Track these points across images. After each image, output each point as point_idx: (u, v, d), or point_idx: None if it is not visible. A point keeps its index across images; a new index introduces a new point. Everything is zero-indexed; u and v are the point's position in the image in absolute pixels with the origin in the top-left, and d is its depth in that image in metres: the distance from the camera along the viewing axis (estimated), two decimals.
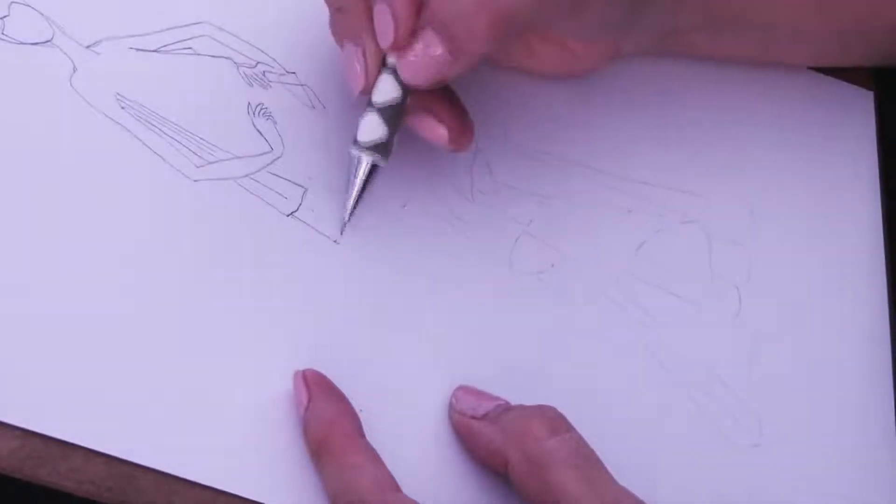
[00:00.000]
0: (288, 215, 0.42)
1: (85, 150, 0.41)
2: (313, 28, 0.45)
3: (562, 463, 0.36)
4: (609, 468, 0.37)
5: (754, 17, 0.47)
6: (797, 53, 0.51)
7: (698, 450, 0.43)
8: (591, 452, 0.37)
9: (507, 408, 0.39)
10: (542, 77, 0.47)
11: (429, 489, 0.39)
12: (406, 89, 0.40)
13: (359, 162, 0.41)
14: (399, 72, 0.39)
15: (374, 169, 0.41)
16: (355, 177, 0.41)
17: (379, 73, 0.40)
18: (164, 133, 0.42)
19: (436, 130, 0.41)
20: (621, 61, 0.49)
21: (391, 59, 0.40)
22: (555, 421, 0.37)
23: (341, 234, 0.42)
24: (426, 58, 0.39)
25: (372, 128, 0.40)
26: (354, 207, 0.41)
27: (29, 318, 0.38)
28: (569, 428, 0.38)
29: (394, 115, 0.40)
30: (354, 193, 0.41)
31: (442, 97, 0.41)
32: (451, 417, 0.40)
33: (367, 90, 0.40)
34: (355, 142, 0.41)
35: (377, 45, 0.39)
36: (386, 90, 0.40)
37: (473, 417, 0.39)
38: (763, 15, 0.47)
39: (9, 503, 0.40)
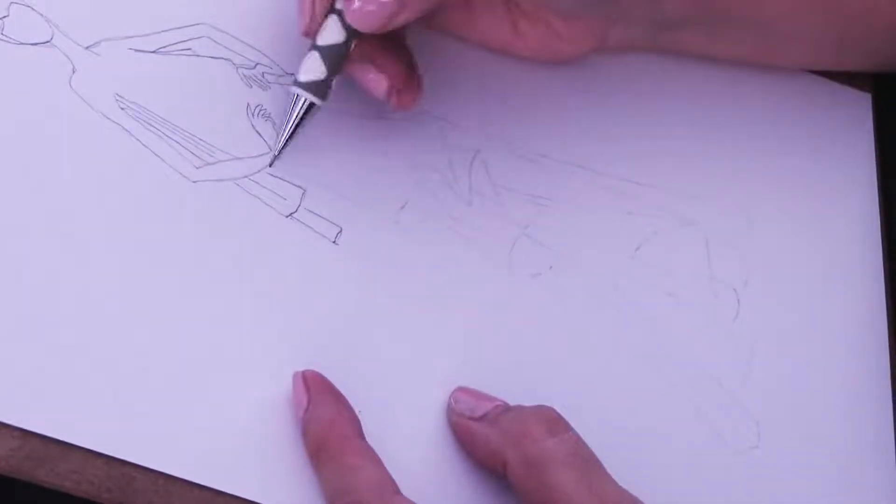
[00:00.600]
0: (287, 216, 0.42)
1: (84, 150, 0.41)
2: None
3: (560, 464, 0.36)
4: (607, 471, 0.37)
5: (748, 12, 0.47)
6: (793, 54, 0.51)
7: (696, 453, 0.43)
8: (590, 453, 0.37)
9: (505, 409, 0.39)
10: (531, 60, 0.47)
11: (428, 490, 0.39)
12: (350, 33, 0.41)
13: (296, 98, 0.41)
14: (345, 16, 0.40)
15: (310, 108, 0.42)
16: (291, 113, 0.42)
17: (326, 16, 0.41)
18: (164, 134, 0.42)
19: (376, 81, 0.42)
20: (621, 63, 0.49)
21: (339, 4, 0.41)
22: (553, 422, 0.37)
23: (270, 165, 0.42)
24: (372, 4, 0.39)
25: (312, 67, 0.41)
26: (287, 142, 0.42)
27: (28, 318, 0.38)
28: (567, 428, 0.37)
29: (335, 56, 0.41)
30: (288, 129, 0.42)
31: (388, 49, 0.42)
32: (449, 419, 0.40)
33: (311, 33, 0.41)
34: (296, 82, 0.42)
35: None
36: (330, 33, 0.41)
37: (472, 419, 0.39)
38: (757, 10, 0.47)
39: (8, 503, 0.39)
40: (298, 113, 0.41)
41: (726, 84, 0.51)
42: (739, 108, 0.51)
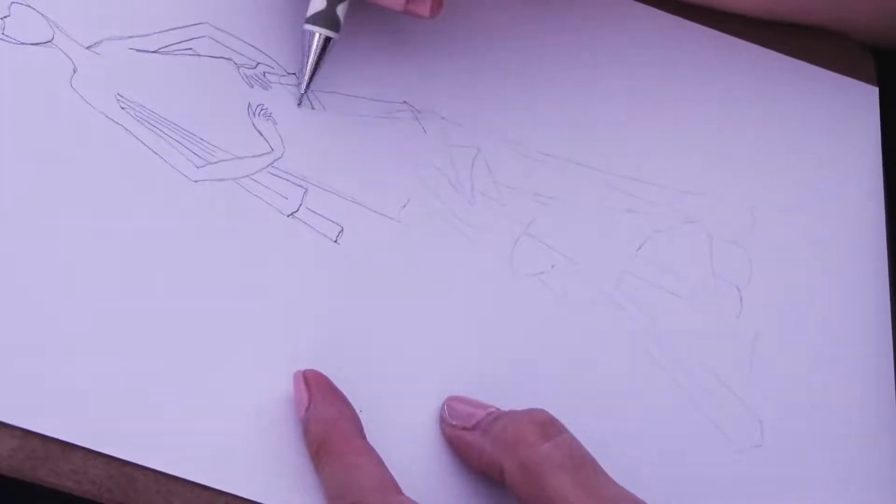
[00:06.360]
0: (288, 216, 0.42)
1: (85, 150, 0.41)
2: None
3: (556, 468, 0.36)
4: (609, 470, 0.37)
5: None
6: None
7: (699, 451, 0.43)
8: (586, 454, 0.37)
9: (497, 415, 0.39)
10: None
11: (430, 490, 0.39)
12: None
13: (308, 35, 0.43)
14: None
15: (327, 42, 0.43)
16: (307, 49, 0.43)
17: None
18: (165, 134, 0.42)
19: None
20: (622, 61, 0.49)
21: None
22: (546, 425, 0.37)
23: (299, 105, 0.44)
24: None
25: (315, 1, 0.43)
26: (310, 80, 0.43)
27: (28, 317, 0.38)
28: (560, 430, 0.37)
29: None
30: (307, 66, 0.43)
31: None
32: (443, 430, 0.40)
33: None
34: (307, 20, 0.43)
35: None
36: None
37: (465, 429, 0.39)
38: None
39: (8, 503, 0.40)
40: (315, 49, 0.43)
41: (729, 79, 0.51)
42: (742, 104, 0.51)
